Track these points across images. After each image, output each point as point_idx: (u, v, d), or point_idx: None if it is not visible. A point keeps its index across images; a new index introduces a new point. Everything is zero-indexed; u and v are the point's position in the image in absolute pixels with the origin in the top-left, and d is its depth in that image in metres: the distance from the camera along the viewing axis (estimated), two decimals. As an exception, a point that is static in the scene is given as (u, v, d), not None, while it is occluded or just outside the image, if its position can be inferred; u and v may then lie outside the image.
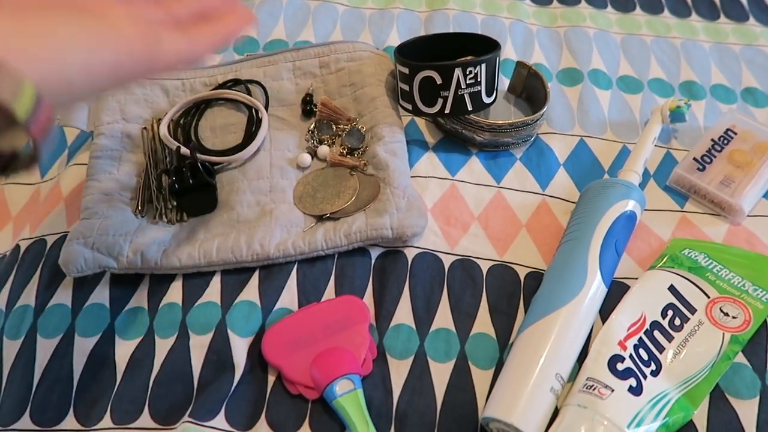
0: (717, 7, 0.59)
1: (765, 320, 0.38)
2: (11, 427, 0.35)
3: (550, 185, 0.45)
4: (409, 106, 0.46)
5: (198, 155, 0.43)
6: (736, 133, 0.46)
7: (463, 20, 0.57)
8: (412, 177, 0.45)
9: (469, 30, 0.56)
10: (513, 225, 0.43)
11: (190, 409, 0.34)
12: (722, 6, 0.59)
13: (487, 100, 0.46)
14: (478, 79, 0.44)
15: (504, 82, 0.52)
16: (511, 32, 0.56)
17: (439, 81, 0.44)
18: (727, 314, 0.37)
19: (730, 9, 0.59)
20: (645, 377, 0.34)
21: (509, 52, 0.54)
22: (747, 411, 0.35)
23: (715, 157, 0.45)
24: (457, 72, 0.43)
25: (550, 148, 0.48)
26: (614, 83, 0.53)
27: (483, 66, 0.44)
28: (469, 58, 0.48)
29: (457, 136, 0.48)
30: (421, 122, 0.49)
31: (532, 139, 0.48)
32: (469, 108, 0.45)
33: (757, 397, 0.35)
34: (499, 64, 0.46)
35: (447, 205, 0.44)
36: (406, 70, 0.45)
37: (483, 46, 0.48)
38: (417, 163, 0.46)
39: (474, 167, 0.46)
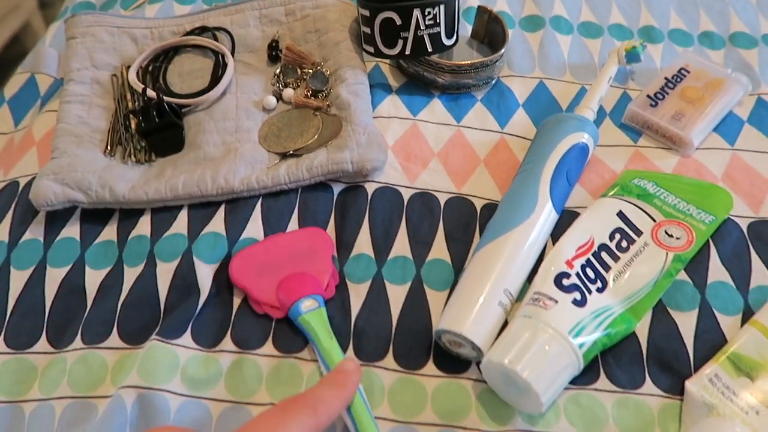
0: (678, -44, 0.60)
1: (707, 240, 0.39)
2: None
3: (509, 124, 0.47)
4: (372, 49, 0.47)
5: (164, 97, 0.44)
6: (689, 72, 0.48)
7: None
8: (375, 117, 0.47)
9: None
10: (471, 161, 0.45)
11: (157, 329, 0.36)
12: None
13: (447, 41, 0.47)
14: (437, 21, 0.45)
15: (468, 29, 0.53)
16: (476, -19, 0.57)
17: (399, 22, 0.45)
18: (671, 236, 0.39)
19: (691, -43, 0.60)
20: (590, 293, 0.36)
21: (473, 0, 0.56)
22: (686, 322, 0.36)
23: (668, 93, 0.47)
24: (416, 13, 0.44)
25: (510, 90, 0.49)
26: (575, 29, 0.54)
27: (442, 7, 0.45)
28: (430, 1, 0.49)
29: (420, 79, 0.49)
30: (385, 67, 0.51)
31: (493, 81, 0.50)
32: (429, 49, 0.46)
33: (697, 309, 0.37)
34: (459, 6, 0.47)
35: (408, 143, 0.45)
36: (367, 13, 0.46)
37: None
38: (380, 104, 0.48)
39: (435, 108, 0.48)
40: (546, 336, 0.33)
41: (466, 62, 0.47)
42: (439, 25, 0.46)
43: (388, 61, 0.51)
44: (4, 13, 1.22)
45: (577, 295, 0.36)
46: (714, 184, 0.42)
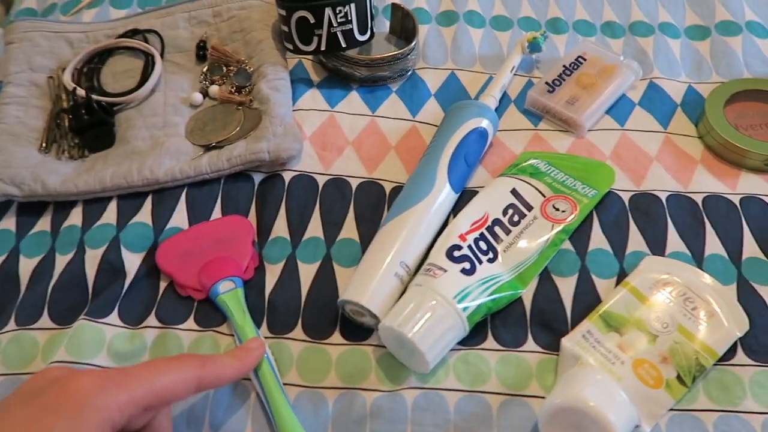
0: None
1: (591, 212, 0.43)
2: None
3: (421, 112, 0.51)
4: (291, 46, 0.51)
5: (93, 95, 0.47)
6: (585, 59, 0.52)
7: (352, -30, 0.61)
8: (295, 110, 0.50)
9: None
10: (383, 147, 0.48)
11: (85, 310, 0.39)
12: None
13: (360, 38, 0.50)
14: (349, 18, 0.49)
15: (387, 24, 0.57)
16: (397, -20, 0.61)
17: (312, 20, 0.48)
18: (558, 209, 0.43)
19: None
20: (480, 263, 0.40)
21: (394, -2, 0.59)
22: (567, 286, 0.40)
23: (564, 80, 0.50)
24: (328, 11, 0.48)
25: (424, 81, 0.53)
26: (487, 22, 0.58)
27: (352, 5, 0.48)
28: None
29: (339, 73, 0.52)
30: (307, 63, 0.54)
31: (408, 73, 0.53)
32: (343, 45, 0.50)
33: (576, 275, 0.41)
34: (371, 4, 0.50)
35: (325, 133, 0.49)
36: (283, 12, 0.49)
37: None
38: (301, 98, 0.51)
39: (353, 100, 0.51)
40: (433, 302, 0.37)
41: (378, 56, 0.51)
42: (351, 22, 0.49)
43: (310, 57, 0.54)
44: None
45: (467, 265, 0.39)
46: (600, 162, 0.46)
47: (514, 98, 0.52)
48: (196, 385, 0.30)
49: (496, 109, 0.50)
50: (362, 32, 0.50)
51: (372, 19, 0.51)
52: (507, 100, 0.52)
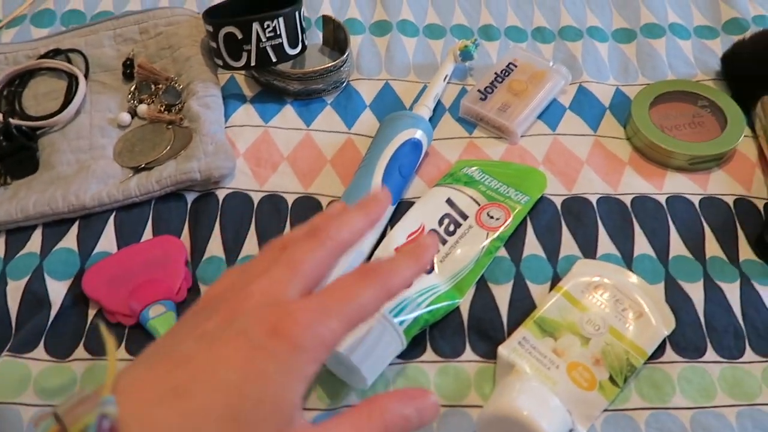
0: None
1: (524, 218, 0.44)
2: None
3: (356, 124, 0.50)
4: (220, 62, 0.50)
5: (11, 120, 0.45)
6: (516, 66, 0.52)
7: (284, -18, 0.61)
8: (228, 127, 0.49)
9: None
10: (319, 161, 0.48)
11: (8, 345, 0.38)
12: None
13: (291, 51, 0.50)
14: (278, 33, 0.48)
15: (321, 36, 0.56)
16: (330, -10, 0.60)
17: (240, 36, 0.48)
18: (492, 217, 0.43)
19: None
20: (417, 275, 0.40)
21: (326, 10, 0.59)
22: (502, 293, 0.41)
23: (496, 87, 0.51)
24: (256, 26, 0.47)
25: (358, 92, 0.53)
26: (421, 31, 0.58)
27: (281, 20, 0.48)
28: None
29: (272, 87, 0.52)
30: (240, 78, 0.53)
31: (343, 85, 0.53)
32: (274, 60, 0.49)
33: (512, 281, 0.41)
34: (301, 17, 0.50)
35: (259, 149, 0.48)
36: (210, 28, 0.48)
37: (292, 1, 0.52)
38: (234, 114, 0.50)
39: (287, 114, 0.51)
40: (369, 317, 0.37)
41: (311, 69, 0.50)
42: (280, 36, 0.48)
43: (242, 71, 0.54)
44: None
45: None
46: (532, 168, 0.47)
47: (449, 106, 0.52)
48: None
49: (430, 119, 0.50)
50: (293, 46, 0.50)
51: (303, 32, 0.51)
52: (441, 108, 0.52)
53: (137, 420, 0.23)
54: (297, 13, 0.49)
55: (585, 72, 0.54)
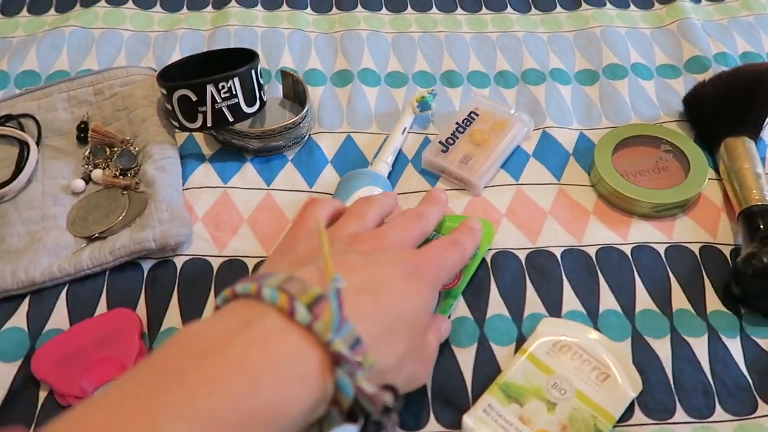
0: (478, 0, 0.65)
1: (475, 272, 0.43)
2: None
3: (318, 182, 0.50)
4: (176, 124, 0.49)
5: (-41, 194, 0.44)
6: (478, 115, 0.52)
7: (243, 35, 0.60)
8: (186, 189, 0.48)
9: (249, 44, 0.59)
10: (280, 223, 0.47)
11: (-48, 438, 0.36)
12: (484, -1, 0.65)
13: (248, 110, 0.49)
14: (234, 92, 0.47)
15: (281, 90, 0.56)
16: (290, 42, 0.60)
17: (194, 98, 0.47)
18: (445, 275, 0.42)
19: (489, 1, 0.65)
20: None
21: (287, 61, 0.58)
22: (466, 357, 0.40)
23: (458, 138, 0.50)
24: (210, 88, 0.47)
25: (320, 147, 0.52)
26: (383, 80, 0.57)
27: (236, 80, 0.47)
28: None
29: (231, 146, 0.51)
30: (199, 136, 0.52)
31: (304, 139, 0.52)
32: (231, 119, 0.48)
33: (476, 344, 0.40)
34: (258, 74, 0.49)
35: (218, 212, 0.47)
36: (164, 91, 0.47)
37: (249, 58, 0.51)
38: (192, 174, 0.49)
39: (247, 173, 0.50)
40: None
41: (269, 128, 0.49)
42: (236, 96, 0.48)
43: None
44: None
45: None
46: (481, 219, 0.46)
47: (411, 158, 0.51)
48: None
49: (390, 173, 0.49)
50: (250, 104, 0.49)
51: (261, 89, 0.50)
52: (404, 160, 0.51)
53: (346, 306, 0.29)
54: (252, 72, 0.49)
55: (548, 117, 0.54)
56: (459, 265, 0.38)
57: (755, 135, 0.50)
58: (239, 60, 0.51)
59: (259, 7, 0.63)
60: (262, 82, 0.51)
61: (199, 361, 0.26)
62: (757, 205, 0.44)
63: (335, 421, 0.29)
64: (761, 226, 0.43)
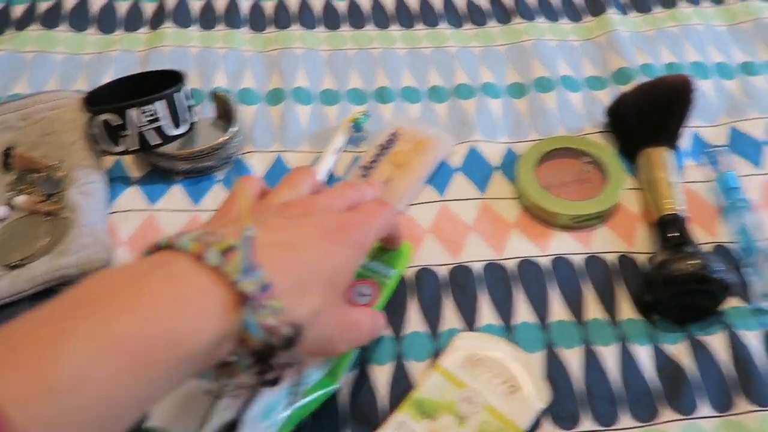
0: (412, 16, 0.66)
1: (394, 291, 0.43)
2: None
3: (245, 201, 0.50)
4: (101, 148, 0.49)
5: None
6: (400, 136, 0.53)
7: (177, 56, 0.60)
8: (112, 212, 0.48)
9: (183, 64, 0.59)
10: (205, 243, 0.47)
11: None
12: (419, 13, 0.66)
13: (175, 132, 0.49)
14: (158, 115, 0.48)
15: (214, 110, 0.56)
16: (225, 61, 0.60)
17: (118, 122, 0.47)
18: (362, 294, 0.42)
19: (424, 16, 0.66)
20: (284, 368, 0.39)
21: (222, 81, 0.59)
22: (382, 374, 0.40)
23: (380, 160, 0.51)
24: (132, 113, 0.47)
25: (250, 167, 0.52)
26: (316, 98, 0.58)
27: (160, 102, 0.48)
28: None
29: (160, 168, 0.51)
30: (129, 159, 0.53)
31: (234, 160, 0.53)
32: (156, 142, 0.49)
33: (393, 361, 0.41)
34: (186, 96, 0.50)
35: (144, 235, 0.47)
36: (88, 115, 0.48)
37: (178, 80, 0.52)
38: (119, 197, 0.49)
39: (175, 195, 0.50)
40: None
41: (197, 149, 0.50)
42: (161, 119, 0.48)
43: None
44: None
45: (270, 375, 0.38)
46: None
47: (340, 178, 0.52)
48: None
49: (318, 192, 0.50)
50: (177, 126, 0.49)
51: (189, 110, 0.50)
52: (333, 181, 0.52)
53: (261, 257, 0.30)
54: (178, 94, 0.49)
55: (478, 131, 0.55)
56: (386, 227, 0.39)
57: (673, 144, 0.51)
58: (171, 81, 0.51)
59: (196, 27, 0.64)
60: (191, 103, 0.51)
61: (111, 293, 0.27)
62: (669, 214, 0.46)
63: (243, 364, 0.30)
64: (672, 234, 0.45)
